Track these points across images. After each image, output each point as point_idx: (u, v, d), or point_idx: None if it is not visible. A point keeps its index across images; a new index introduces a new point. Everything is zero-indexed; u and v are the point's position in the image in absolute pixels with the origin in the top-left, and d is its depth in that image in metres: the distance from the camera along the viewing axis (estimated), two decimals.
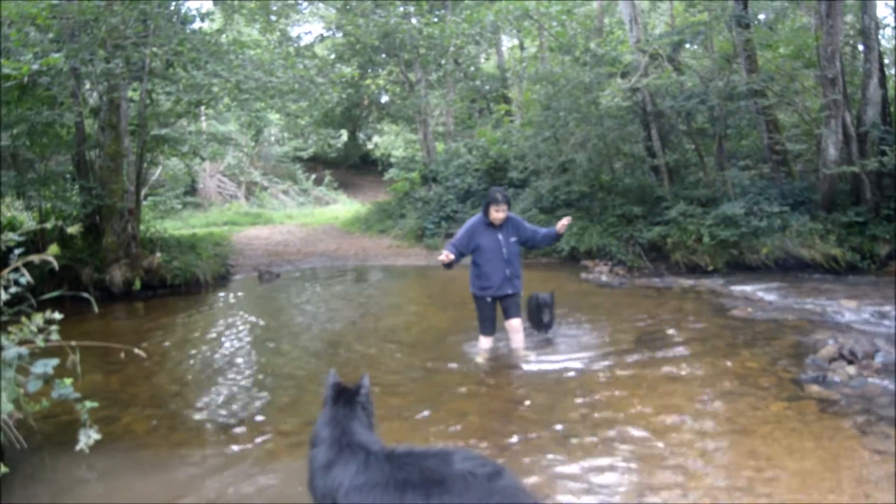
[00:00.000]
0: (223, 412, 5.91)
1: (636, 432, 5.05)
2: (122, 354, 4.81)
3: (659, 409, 5.48)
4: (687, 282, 11.52)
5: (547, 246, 7.96)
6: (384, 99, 29.05)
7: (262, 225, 25.14)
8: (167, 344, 8.73)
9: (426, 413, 5.59)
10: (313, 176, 33.85)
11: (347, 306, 11.00)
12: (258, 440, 5.24)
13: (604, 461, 4.63)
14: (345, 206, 29.98)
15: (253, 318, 10.17)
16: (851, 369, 6.12)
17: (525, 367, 6.91)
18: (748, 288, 10.58)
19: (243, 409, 5.97)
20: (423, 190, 20.54)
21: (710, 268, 12.19)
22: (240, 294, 12.37)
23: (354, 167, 37.24)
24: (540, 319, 7.84)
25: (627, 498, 4.13)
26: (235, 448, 5.10)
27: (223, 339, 8.88)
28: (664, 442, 4.86)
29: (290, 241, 20.26)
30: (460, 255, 6.86)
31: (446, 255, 6.58)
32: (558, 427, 5.22)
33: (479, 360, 7.15)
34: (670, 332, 8.02)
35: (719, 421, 5.21)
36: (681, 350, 7.22)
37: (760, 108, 13.42)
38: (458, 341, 8.04)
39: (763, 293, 10.15)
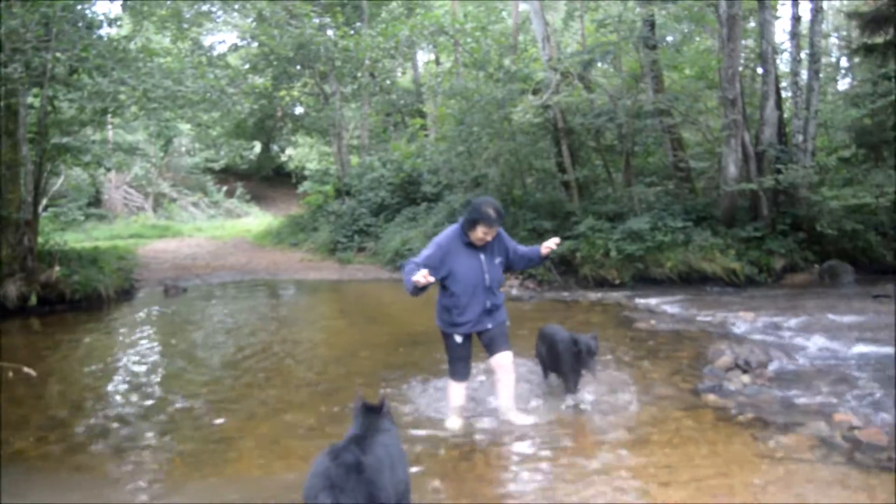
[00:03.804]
0: (122, 433, 5.63)
1: (535, 441, 5.08)
2: (11, 374, 4.54)
3: (559, 418, 5.52)
4: (595, 295, 11.74)
5: (524, 269, 6.73)
6: (298, 111, 28.78)
7: (171, 238, 24.52)
8: (63, 362, 8.33)
9: (330, 436, 5.47)
10: (225, 188, 33.25)
11: (256, 321, 10.77)
12: (158, 461, 5.05)
13: (503, 467, 4.64)
14: (257, 219, 29.55)
15: (156, 335, 9.84)
16: (746, 378, 6.33)
17: (511, 418, 5.49)
18: (652, 301, 10.85)
19: (143, 430, 5.71)
20: (337, 203, 20.42)
21: (617, 281, 12.44)
22: (144, 309, 11.96)
23: (267, 179, 36.74)
24: (576, 369, 5.85)
25: (525, 500, 4.16)
26: (135, 469, 4.89)
27: (123, 356, 8.54)
28: (563, 450, 4.90)
29: (198, 254, 19.80)
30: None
31: (425, 275, 4.75)
32: (456, 439, 5.20)
33: (452, 424, 5.46)
34: None
35: (619, 430, 5.27)
36: None
37: (666, 126, 13.87)
38: (370, 357, 7.94)
39: (666, 306, 10.43)
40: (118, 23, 15.06)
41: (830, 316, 9.01)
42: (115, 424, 5.87)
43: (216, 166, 34.64)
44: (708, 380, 6.38)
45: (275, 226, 24.14)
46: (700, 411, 5.61)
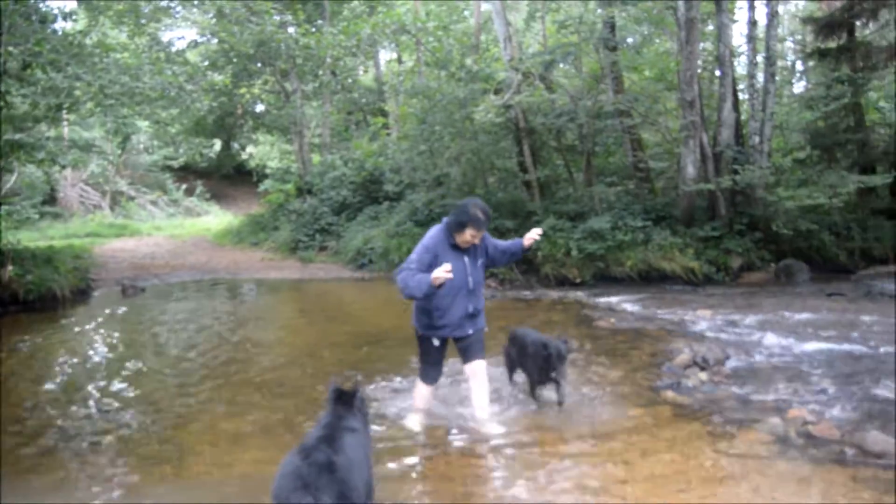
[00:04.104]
0: (74, 435, 5.50)
1: (497, 440, 5.09)
2: None
3: (520, 415, 5.56)
4: (556, 294, 11.81)
5: (507, 264, 6.44)
6: (259, 108, 28.50)
7: (128, 237, 24.10)
8: (13, 364, 8.11)
9: (288, 437, 5.43)
10: (184, 186, 32.74)
11: (214, 321, 10.61)
12: (113, 463, 4.94)
13: (464, 466, 4.65)
14: (217, 218, 29.18)
15: (111, 336, 9.65)
16: (703, 375, 6.41)
17: (490, 430, 5.30)
18: (613, 299, 10.95)
19: (96, 433, 5.57)
20: (298, 202, 20.27)
21: (578, 280, 12.54)
22: (100, 310, 11.71)
23: (228, 178, 36.25)
24: (545, 374, 5.67)
25: (487, 498, 4.18)
26: (90, 472, 4.80)
27: (75, 358, 8.33)
28: (524, 448, 4.93)
29: (157, 253, 19.48)
30: None
31: (447, 270, 4.61)
32: (417, 439, 5.21)
33: (412, 424, 5.41)
34: None
35: (579, 426, 5.31)
36: None
37: (626, 127, 14.01)
38: (330, 356, 7.89)
39: (626, 304, 10.53)
40: (73, 17, 14.71)
41: (786, 314, 9.18)
42: (68, 426, 5.73)
43: (175, 164, 34.06)
44: (666, 377, 6.46)
45: (235, 225, 23.87)
46: (658, 408, 5.67)
